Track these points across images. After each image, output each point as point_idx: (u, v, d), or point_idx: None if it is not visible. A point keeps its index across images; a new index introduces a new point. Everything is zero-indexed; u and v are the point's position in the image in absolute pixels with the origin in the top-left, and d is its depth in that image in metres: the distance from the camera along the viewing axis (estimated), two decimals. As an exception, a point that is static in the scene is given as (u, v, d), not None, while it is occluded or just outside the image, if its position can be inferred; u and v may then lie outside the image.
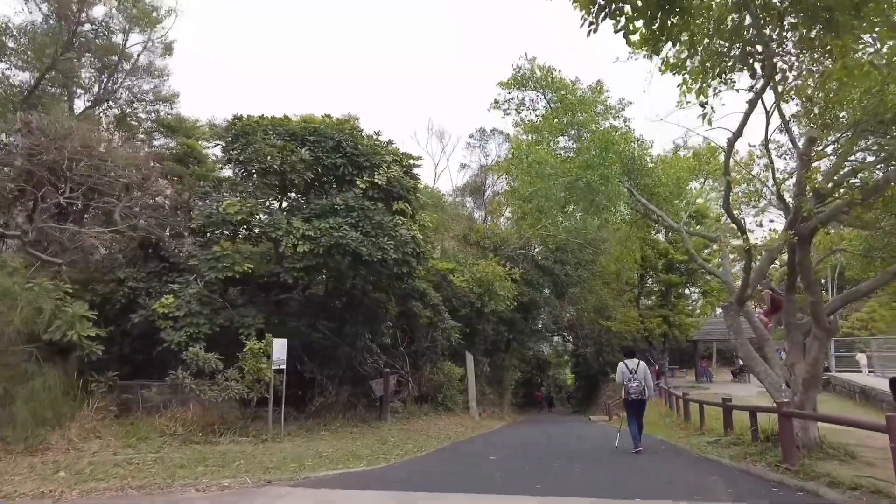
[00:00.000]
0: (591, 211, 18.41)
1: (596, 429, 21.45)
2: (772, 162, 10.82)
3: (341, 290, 16.09)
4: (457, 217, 28.09)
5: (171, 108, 20.35)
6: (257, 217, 12.70)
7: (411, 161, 14.80)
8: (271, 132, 13.50)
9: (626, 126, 16.10)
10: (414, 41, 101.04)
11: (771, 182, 11.81)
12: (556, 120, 16.18)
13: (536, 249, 27.27)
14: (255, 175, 13.11)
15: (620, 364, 11.39)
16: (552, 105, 15.97)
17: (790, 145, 11.36)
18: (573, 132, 16.21)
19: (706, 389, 32.52)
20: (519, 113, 16.42)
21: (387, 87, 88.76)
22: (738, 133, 9.79)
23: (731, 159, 10.73)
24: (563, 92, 15.90)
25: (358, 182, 13.39)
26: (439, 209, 23.99)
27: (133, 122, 19.69)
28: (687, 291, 35.95)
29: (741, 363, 38.11)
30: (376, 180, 13.41)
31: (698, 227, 26.39)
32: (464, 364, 23.05)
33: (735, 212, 12.97)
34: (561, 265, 27.14)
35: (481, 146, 30.58)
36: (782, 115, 10.35)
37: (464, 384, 22.78)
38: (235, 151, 12.95)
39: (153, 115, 20.16)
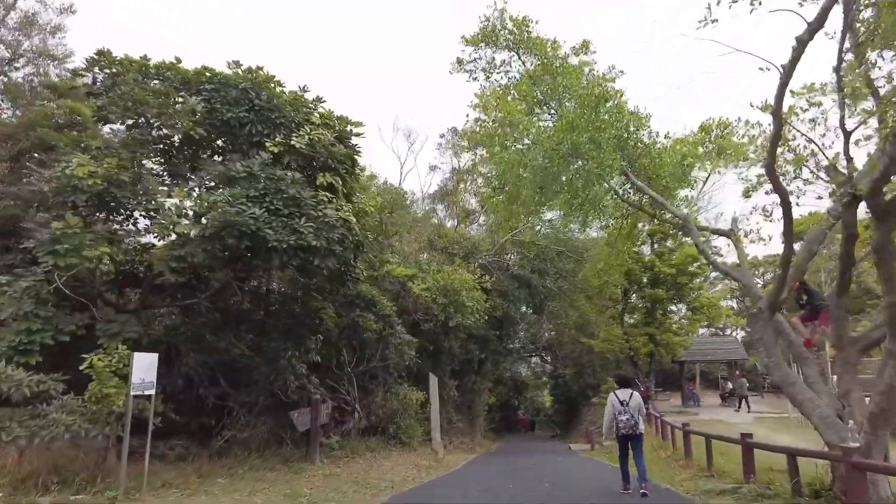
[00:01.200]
0: (577, 204, 15.01)
1: (579, 462, 17.77)
2: (842, 92, 7.39)
3: (259, 294, 12.46)
4: (424, 221, 24.64)
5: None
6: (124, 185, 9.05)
7: (348, 126, 11.26)
8: (155, 78, 9.96)
9: (618, 97, 12.81)
10: (375, 35, 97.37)
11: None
12: (533, 88, 12.82)
13: (511, 258, 23.79)
14: (125, 130, 9.53)
15: (611, 395, 10.17)
16: (527, 67, 12.63)
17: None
18: (553, 104, 12.86)
19: (696, 415, 29.08)
20: (488, 77, 13.06)
21: (349, 81, 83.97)
22: (813, 32, 6.36)
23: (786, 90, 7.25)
24: (540, 54, 12.60)
25: (268, 144, 9.80)
26: (402, 208, 20.55)
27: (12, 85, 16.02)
28: (674, 308, 32.65)
29: (730, 386, 34.88)
30: (294, 143, 9.83)
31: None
32: (427, 388, 19.35)
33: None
34: (539, 275, 23.66)
35: (453, 147, 27.33)
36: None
37: (426, 411, 19.03)
38: (95, 97, 9.35)
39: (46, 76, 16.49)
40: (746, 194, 9.41)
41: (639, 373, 31.37)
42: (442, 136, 27.82)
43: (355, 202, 11.10)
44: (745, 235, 11.20)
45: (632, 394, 9.75)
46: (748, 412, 29.66)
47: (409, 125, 67.33)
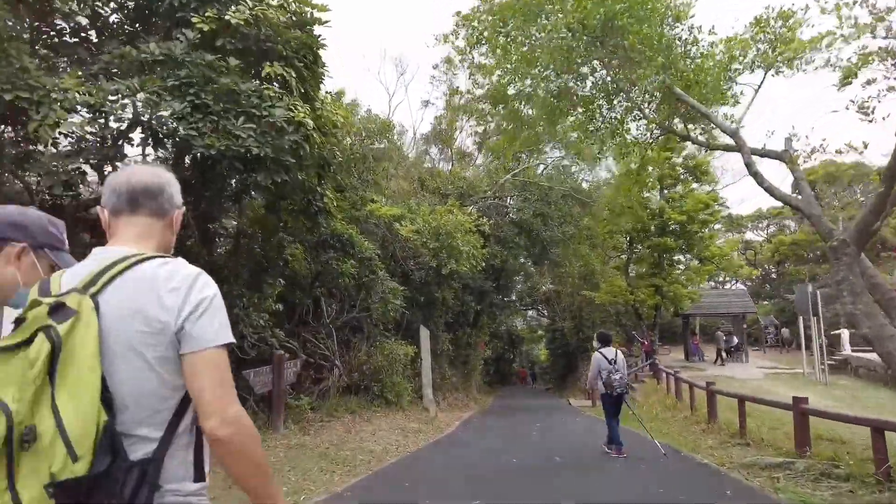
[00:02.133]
0: (593, 128, 12.46)
1: (588, 424, 15.74)
2: None
3: (210, 232, 10.07)
4: (416, 164, 21.98)
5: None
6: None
7: (308, 9, 8.58)
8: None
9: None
10: None
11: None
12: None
13: (511, 201, 21.23)
14: None
15: (596, 354, 9.82)
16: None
17: None
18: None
19: (703, 371, 27.23)
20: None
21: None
22: None
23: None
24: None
25: (195, 20, 7.18)
26: (388, 141, 17.93)
27: None
28: (681, 258, 30.32)
29: (735, 340, 33.06)
30: (230, 18, 7.21)
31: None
32: (418, 342, 17.17)
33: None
34: (542, 219, 21.17)
35: (448, 79, 24.44)
36: None
37: (417, 367, 16.90)
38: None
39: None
40: (845, 80, 6.89)
41: (643, 326, 29.38)
42: (435, 66, 24.92)
43: (318, 109, 8.51)
44: (811, 153, 8.77)
45: (616, 352, 9.53)
46: (722, 365, 28.26)
47: (398, 53, 61.82)
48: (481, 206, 19.50)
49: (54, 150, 6.81)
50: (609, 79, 11.93)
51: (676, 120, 11.69)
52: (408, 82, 63.59)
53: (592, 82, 12.39)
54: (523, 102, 12.31)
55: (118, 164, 6.69)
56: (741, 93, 10.64)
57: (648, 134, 12.78)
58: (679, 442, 11.57)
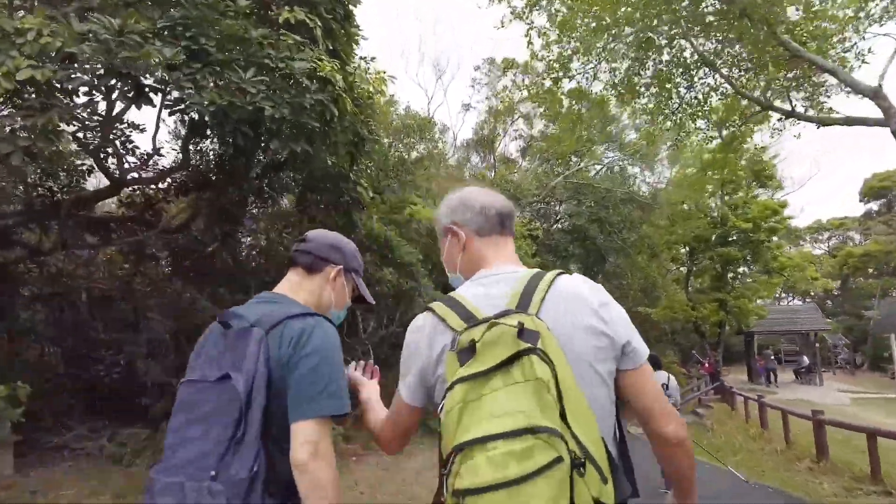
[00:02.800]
0: (671, 109, 10.64)
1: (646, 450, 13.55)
2: None
3: (230, 231, 8.60)
4: (457, 170, 20.30)
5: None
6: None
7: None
8: None
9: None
10: None
11: None
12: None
13: (563, 207, 19.25)
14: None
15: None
16: None
17: None
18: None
19: (774, 394, 24.52)
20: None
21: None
22: None
23: None
24: None
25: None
26: (428, 140, 16.35)
27: None
28: (744, 270, 27.69)
29: (806, 360, 30.04)
30: (237, -53, 5.76)
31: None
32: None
33: None
34: (599, 225, 19.09)
35: (490, 83, 22.80)
36: None
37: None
38: None
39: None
40: None
41: (704, 345, 26.84)
42: (477, 68, 23.38)
43: (350, 75, 6.91)
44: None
45: (669, 376, 8.40)
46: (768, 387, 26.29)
47: (437, 54, 60.30)
48: (530, 211, 17.66)
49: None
50: (692, 50, 10.09)
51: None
52: (447, 85, 62.08)
53: (669, 57, 10.57)
54: (590, 78, 10.55)
55: (113, 139, 5.17)
56: (869, 50, 8.63)
57: (737, 116, 10.82)
58: (784, 484, 9.42)
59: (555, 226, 20.16)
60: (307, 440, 1.42)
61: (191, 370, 1.58)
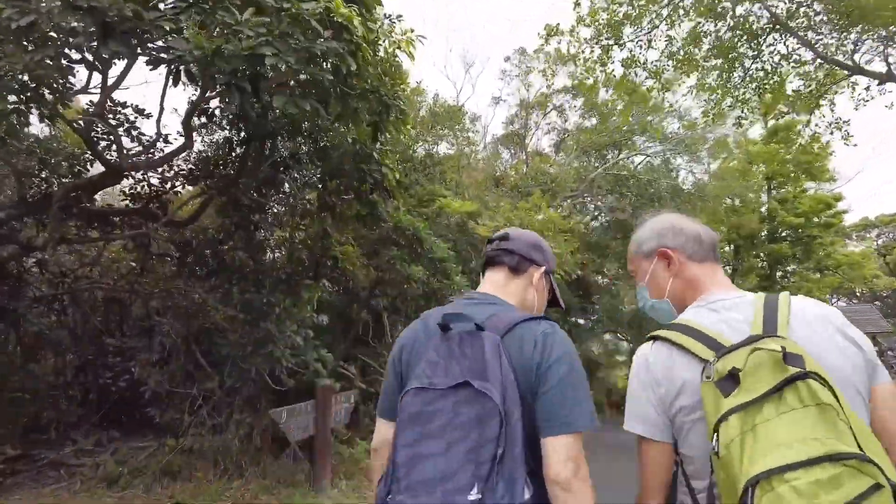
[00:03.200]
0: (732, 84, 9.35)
1: None
2: None
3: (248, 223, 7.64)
4: (487, 160, 19.13)
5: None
6: None
7: None
8: None
9: None
10: None
11: None
12: None
13: (601, 200, 17.88)
14: None
15: None
16: None
17: None
18: None
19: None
20: None
21: None
22: None
23: None
24: None
25: None
26: (459, 130, 15.21)
27: None
28: (794, 268, 25.89)
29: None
30: None
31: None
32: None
33: None
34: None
35: (521, 75, 21.61)
36: None
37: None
38: None
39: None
40: None
41: (753, 349, 25.07)
42: (507, 59, 22.22)
43: (373, 32, 5.83)
44: None
45: None
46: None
47: (465, 46, 59.03)
48: (568, 206, 16.43)
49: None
50: (761, 12, 8.79)
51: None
52: (475, 78, 60.68)
53: (733, 22, 9.26)
54: (644, 46, 9.32)
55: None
56: None
57: (813, 86, 9.47)
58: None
59: (593, 222, 18.86)
60: (569, 456, 1.36)
61: (412, 378, 1.45)
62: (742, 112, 10.25)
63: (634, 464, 1.51)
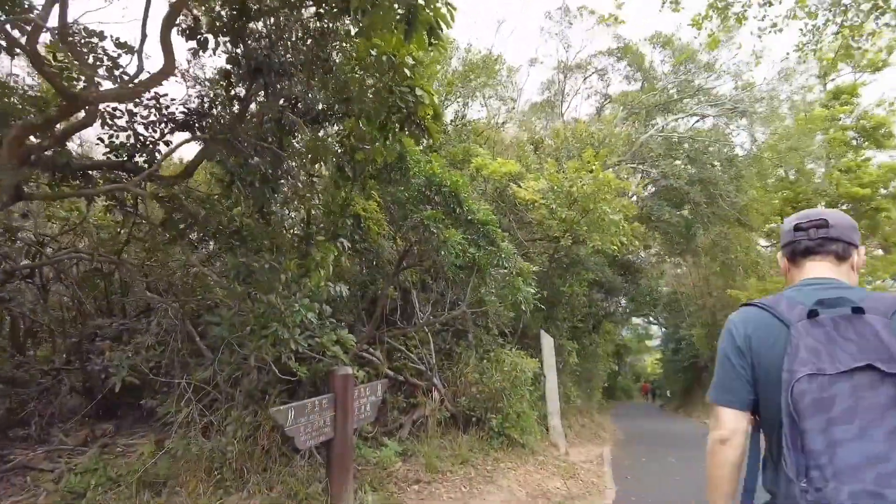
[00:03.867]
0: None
1: None
2: None
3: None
4: (524, 124, 17.22)
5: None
6: None
7: None
8: None
9: None
10: None
11: None
12: None
13: (653, 168, 15.90)
14: None
15: None
16: None
17: None
18: None
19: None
20: None
21: None
22: None
23: None
24: None
25: None
26: (494, 85, 13.39)
27: None
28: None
29: None
30: None
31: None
32: (537, 352, 12.54)
33: None
34: (702, 188, 15.59)
35: (560, 33, 19.54)
36: None
37: (539, 388, 12.20)
38: None
39: None
40: None
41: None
42: (548, 15, 20.17)
43: None
44: None
45: None
46: None
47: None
48: (615, 173, 14.54)
49: None
50: None
51: None
52: (506, 35, 57.67)
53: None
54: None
55: None
56: None
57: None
58: None
59: (644, 191, 16.95)
60: None
61: (796, 364, 1.46)
62: (852, 39, 8.29)
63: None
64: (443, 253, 7.22)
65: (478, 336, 10.46)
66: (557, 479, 8.69)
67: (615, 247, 10.54)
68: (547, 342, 12.94)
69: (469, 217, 7.63)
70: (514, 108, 15.27)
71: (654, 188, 16.76)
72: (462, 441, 8.79)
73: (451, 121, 12.64)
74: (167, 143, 7.38)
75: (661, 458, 12.73)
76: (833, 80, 22.43)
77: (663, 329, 43.99)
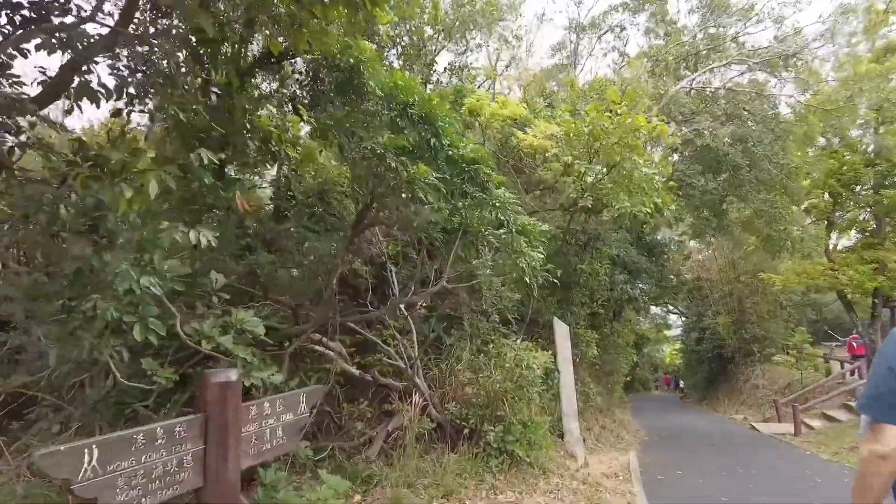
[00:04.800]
0: None
1: (819, 470, 8.10)
2: None
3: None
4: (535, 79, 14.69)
5: None
6: None
7: None
8: None
9: None
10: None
11: None
12: None
13: (686, 126, 13.26)
14: None
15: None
16: None
17: None
18: None
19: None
20: None
21: None
22: None
23: None
24: None
25: None
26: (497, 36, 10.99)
27: None
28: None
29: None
30: None
31: None
32: (549, 343, 10.19)
33: None
34: (742, 147, 12.96)
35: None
36: None
37: (551, 385, 9.82)
38: None
39: None
40: None
41: (854, 318, 20.25)
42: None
43: None
44: None
45: None
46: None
47: None
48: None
49: None
50: None
51: None
52: None
53: None
54: None
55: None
56: None
57: None
58: None
59: (671, 156, 14.41)
60: None
61: None
62: None
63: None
64: (406, 205, 4.83)
65: (474, 324, 8.09)
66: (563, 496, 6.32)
67: (648, 209, 8.06)
68: (561, 331, 10.54)
69: (450, 153, 5.23)
70: (518, 51, 12.78)
71: (681, 155, 14.12)
72: (449, 462, 6.43)
73: (445, 68, 10.23)
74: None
75: (703, 467, 10.30)
76: (883, 35, 19.54)
77: (683, 318, 41.26)
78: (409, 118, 5.06)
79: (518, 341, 7.99)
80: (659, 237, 17.05)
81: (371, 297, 7.47)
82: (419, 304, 6.98)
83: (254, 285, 5.90)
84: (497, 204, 5.18)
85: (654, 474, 9.85)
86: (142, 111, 4.59)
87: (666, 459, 11.63)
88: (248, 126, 4.02)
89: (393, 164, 4.64)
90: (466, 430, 7.08)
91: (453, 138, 5.37)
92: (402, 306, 6.90)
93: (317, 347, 6.26)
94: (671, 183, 10.57)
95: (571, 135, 8.15)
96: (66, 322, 3.12)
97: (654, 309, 44.70)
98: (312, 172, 7.51)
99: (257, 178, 7.43)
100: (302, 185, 7.21)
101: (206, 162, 3.36)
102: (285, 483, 4.25)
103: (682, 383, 43.92)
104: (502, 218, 5.26)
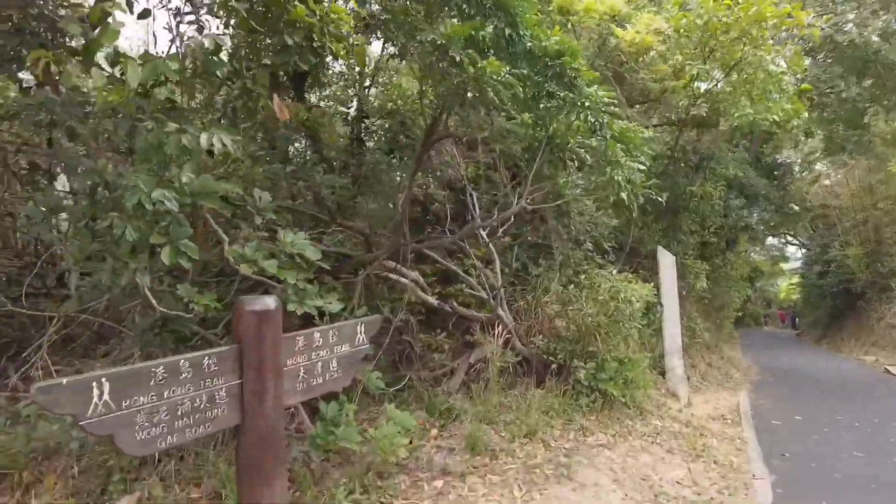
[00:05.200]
0: None
1: None
2: None
3: None
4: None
5: None
6: None
7: None
8: None
9: None
10: None
11: None
12: None
13: (823, 22, 10.94)
14: None
15: None
16: None
17: None
18: None
19: None
20: None
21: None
22: None
23: None
24: None
25: None
26: None
27: None
28: None
29: None
30: None
31: None
32: (653, 274, 9.20)
33: None
34: (886, 44, 10.60)
35: None
36: None
37: (652, 321, 8.89)
38: None
39: None
40: None
41: None
42: None
43: None
44: None
45: None
46: None
47: None
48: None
49: None
50: None
51: None
52: None
53: None
54: None
55: None
56: None
57: None
58: None
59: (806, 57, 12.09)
60: None
61: None
62: None
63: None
64: (480, 111, 4.05)
65: (564, 253, 7.28)
66: (677, 462, 5.58)
67: (775, 117, 6.61)
68: (666, 261, 9.45)
69: (530, 45, 4.33)
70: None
71: (814, 59, 11.69)
72: (534, 399, 5.87)
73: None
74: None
75: (827, 414, 9.04)
76: None
77: (804, 249, 37.35)
78: (479, 4, 4.19)
79: (615, 272, 7.11)
80: (780, 158, 14.88)
81: (450, 225, 6.89)
82: (500, 228, 6.27)
83: (322, 210, 5.48)
84: (587, 104, 4.25)
85: (767, 419, 8.78)
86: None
87: (782, 403, 10.41)
88: (285, 17, 3.40)
89: (457, 59, 3.84)
90: (554, 366, 6.45)
91: (534, 29, 4.44)
92: (482, 232, 6.24)
93: (391, 276, 5.82)
94: (804, 85, 8.76)
95: (682, 31, 6.79)
96: (88, 245, 2.79)
97: (770, 240, 40.80)
98: (389, 91, 6.91)
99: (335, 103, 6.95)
100: (377, 103, 6.60)
101: (213, 48, 2.79)
102: (348, 418, 3.88)
103: (797, 320, 40.52)
104: (594, 120, 4.33)
